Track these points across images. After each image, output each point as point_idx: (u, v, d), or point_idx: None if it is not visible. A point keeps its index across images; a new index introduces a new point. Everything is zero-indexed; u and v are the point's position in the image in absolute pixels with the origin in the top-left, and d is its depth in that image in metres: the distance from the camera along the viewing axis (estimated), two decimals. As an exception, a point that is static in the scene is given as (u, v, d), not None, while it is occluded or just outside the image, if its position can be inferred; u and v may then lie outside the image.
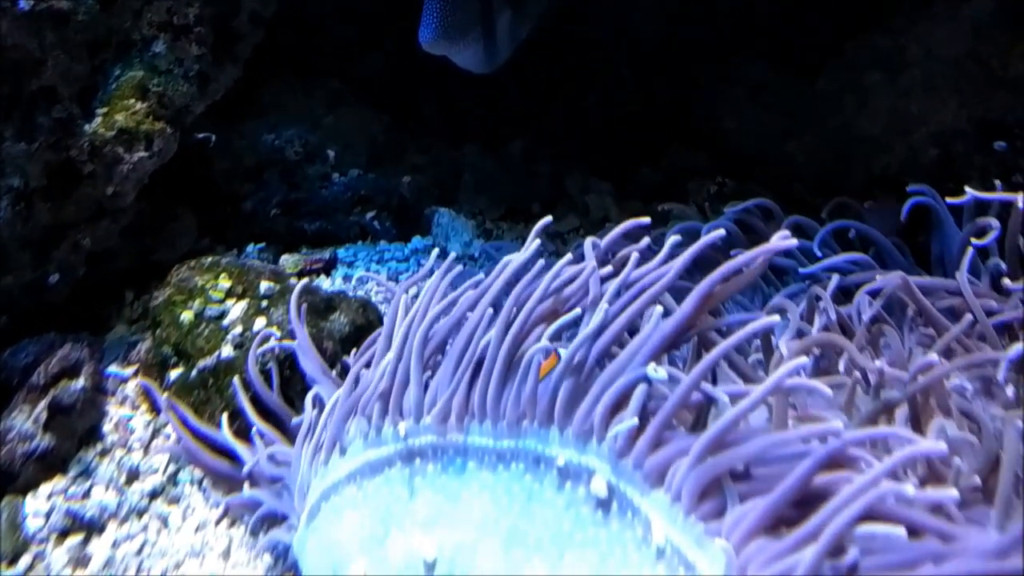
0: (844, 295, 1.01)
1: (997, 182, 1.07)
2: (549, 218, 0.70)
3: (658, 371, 0.52)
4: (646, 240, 0.65)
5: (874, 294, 0.97)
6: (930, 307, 0.92)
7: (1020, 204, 0.99)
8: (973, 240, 1.00)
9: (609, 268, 0.60)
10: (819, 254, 1.05)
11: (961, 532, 0.41)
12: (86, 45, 1.19)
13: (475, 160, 1.75)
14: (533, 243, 0.64)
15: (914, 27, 1.46)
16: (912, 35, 1.45)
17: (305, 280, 1.23)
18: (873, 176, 1.40)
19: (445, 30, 1.08)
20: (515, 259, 0.63)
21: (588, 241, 0.65)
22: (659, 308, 0.55)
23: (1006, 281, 0.95)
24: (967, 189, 1.04)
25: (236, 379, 0.83)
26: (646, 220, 0.67)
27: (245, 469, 0.78)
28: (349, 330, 0.94)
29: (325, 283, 1.27)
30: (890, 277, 0.96)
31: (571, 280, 0.60)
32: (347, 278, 1.28)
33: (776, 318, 0.51)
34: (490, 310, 0.59)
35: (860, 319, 0.95)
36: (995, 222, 1.01)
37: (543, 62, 1.79)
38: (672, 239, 0.61)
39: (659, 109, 1.81)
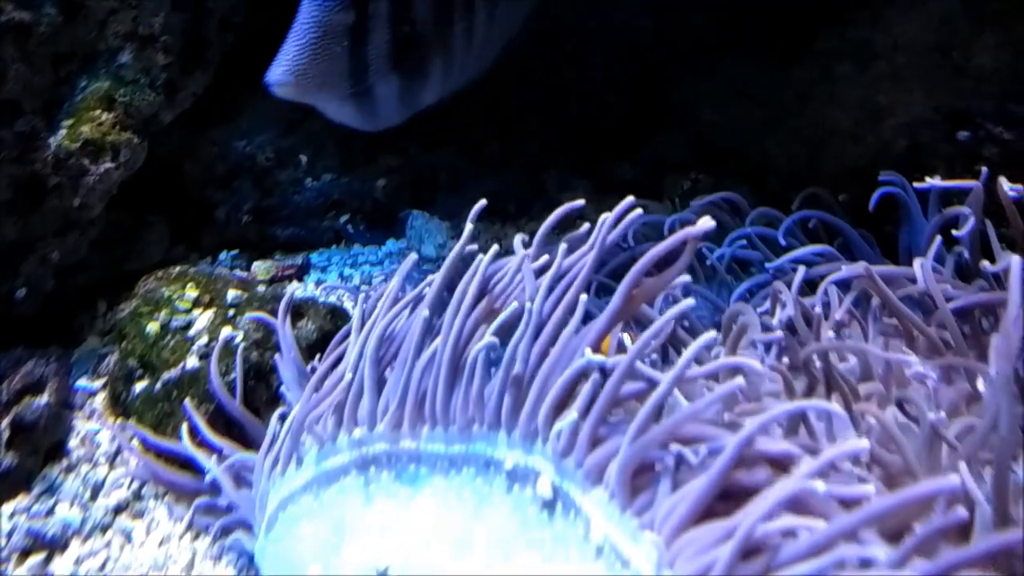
0: (810, 286, 1.01)
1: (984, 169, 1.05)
2: (483, 202, 0.69)
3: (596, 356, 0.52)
4: (585, 226, 0.65)
5: (838, 284, 0.97)
6: (892, 297, 0.92)
7: (980, 193, 1.00)
8: (953, 232, 1.00)
9: (545, 258, 0.61)
10: (783, 243, 1.06)
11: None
12: (49, 57, 1.19)
13: (451, 161, 1.75)
14: (467, 231, 0.64)
15: (882, 19, 1.46)
16: (880, 27, 1.46)
17: (294, 285, 1.23)
18: (844, 167, 1.41)
19: (298, 76, 0.95)
20: (453, 254, 0.63)
21: (518, 237, 0.66)
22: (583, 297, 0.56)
23: (984, 263, 0.94)
24: (927, 179, 1.05)
25: (187, 400, 0.82)
26: (580, 203, 0.68)
27: (207, 478, 0.78)
28: (317, 337, 0.94)
29: (298, 289, 1.27)
30: (854, 267, 0.97)
31: (510, 273, 0.61)
32: (320, 283, 1.28)
33: (712, 333, 0.51)
34: (426, 312, 0.60)
35: (824, 310, 0.96)
36: (967, 211, 1.01)
37: (521, 58, 1.79)
38: (602, 219, 0.62)
39: (637, 104, 1.81)
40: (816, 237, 1.16)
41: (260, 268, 1.30)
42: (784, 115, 1.54)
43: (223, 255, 1.38)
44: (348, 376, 0.61)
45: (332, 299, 1.16)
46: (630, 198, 0.64)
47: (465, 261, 0.64)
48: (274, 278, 1.27)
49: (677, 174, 1.67)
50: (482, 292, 0.59)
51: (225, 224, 1.41)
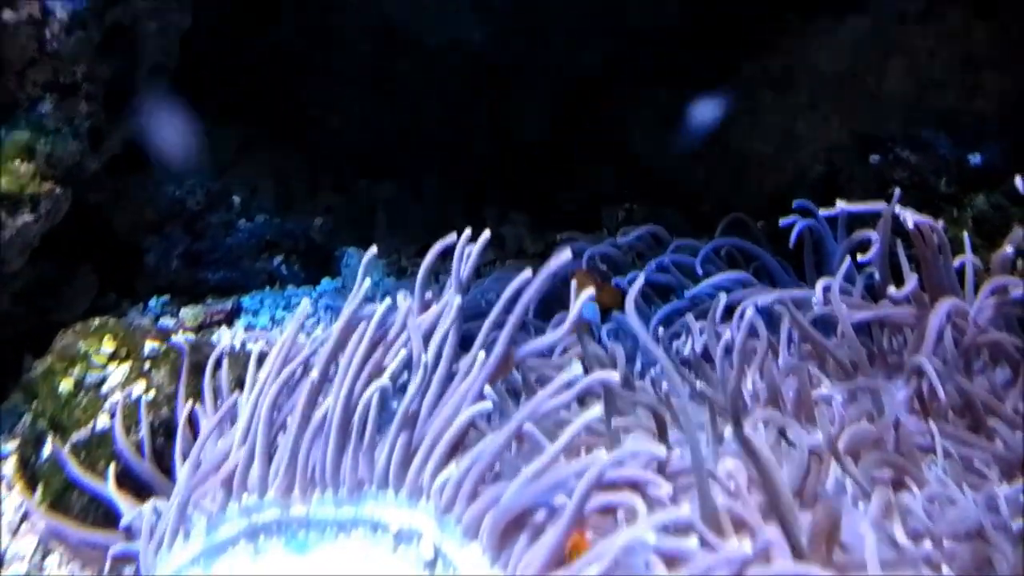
0: (728, 311, 1.04)
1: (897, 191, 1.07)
2: (373, 250, 0.69)
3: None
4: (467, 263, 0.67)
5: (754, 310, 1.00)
6: (805, 323, 0.95)
7: (888, 215, 1.04)
8: (859, 256, 1.03)
9: (434, 309, 0.62)
10: (699, 271, 1.09)
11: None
12: (-39, 111, 1.17)
13: (391, 196, 1.76)
14: (362, 288, 0.65)
15: (800, 47, 1.52)
16: (798, 55, 1.52)
17: (221, 331, 1.22)
18: (766, 195, 1.45)
19: None
20: (346, 314, 0.64)
21: (400, 293, 0.66)
22: (481, 354, 0.57)
23: (890, 289, 0.97)
24: (838, 202, 1.09)
25: (122, 440, 0.79)
26: (451, 240, 0.70)
27: (123, 522, 0.75)
28: (234, 387, 0.92)
29: (226, 334, 1.25)
30: (768, 295, 1.00)
31: (396, 329, 0.61)
32: (251, 327, 1.27)
33: (598, 410, 0.52)
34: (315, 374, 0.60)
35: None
36: (874, 235, 1.04)
37: (461, 93, 1.81)
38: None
39: (575, 136, 1.84)
40: (735, 261, 1.19)
41: (189, 314, 1.28)
42: (710, 144, 1.58)
43: (153, 302, 1.36)
44: (238, 442, 0.60)
45: (258, 346, 1.15)
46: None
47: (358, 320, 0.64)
48: (202, 324, 1.25)
49: (613, 204, 1.71)
50: (370, 353, 0.60)
51: (155, 270, 1.40)
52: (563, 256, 0.60)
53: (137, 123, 1.40)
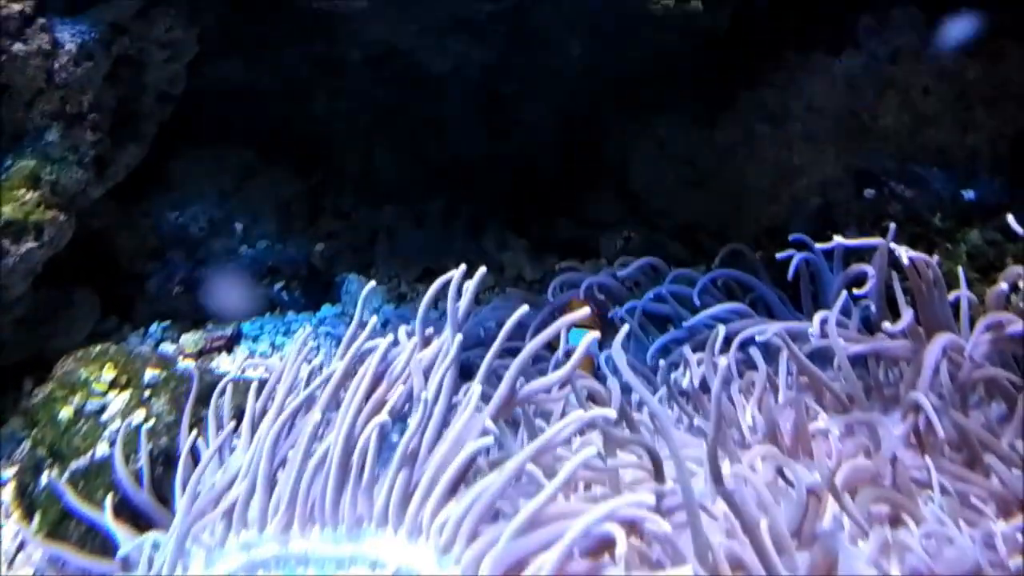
0: (725, 342, 1.05)
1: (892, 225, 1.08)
2: (372, 283, 0.69)
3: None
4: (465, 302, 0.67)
5: (748, 343, 1.01)
6: (803, 358, 0.96)
7: (885, 250, 1.06)
8: (855, 291, 1.04)
9: (435, 344, 0.63)
10: (697, 302, 1.10)
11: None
12: (-29, 140, 1.18)
13: (392, 222, 1.77)
14: (369, 324, 0.66)
15: (796, 81, 1.55)
16: (794, 89, 1.54)
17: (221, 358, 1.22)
18: (762, 226, 1.47)
19: None
20: (351, 351, 0.64)
21: (402, 329, 0.67)
22: (479, 388, 0.57)
23: (885, 324, 0.98)
24: (835, 237, 1.10)
25: (121, 469, 0.79)
26: (453, 273, 0.71)
27: (120, 553, 0.75)
28: (235, 415, 0.93)
29: (226, 361, 1.26)
30: (766, 327, 1.01)
31: (401, 365, 0.62)
32: (252, 353, 1.28)
33: (593, 449, 0.53)
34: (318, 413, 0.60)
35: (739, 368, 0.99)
36: (870, 269, 1.06)
37: (462, 120, 1.84)
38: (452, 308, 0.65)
39: (576, 162, 1.86)
40: (733, 291, 1.20)
41: (189, 340, 1.29)
42: (708, 175, 1.60)
43: (154, 327, 1.37)
44: (241, 476, 0.61)
45: (256, 373, 1.15)
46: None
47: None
48: (202, 350, 1.26)
49: (612, 232, 1.72)
50: (372, 390, 0.60)
51: (157, 296, 1.40)
52: (582, 312, 0.62)
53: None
